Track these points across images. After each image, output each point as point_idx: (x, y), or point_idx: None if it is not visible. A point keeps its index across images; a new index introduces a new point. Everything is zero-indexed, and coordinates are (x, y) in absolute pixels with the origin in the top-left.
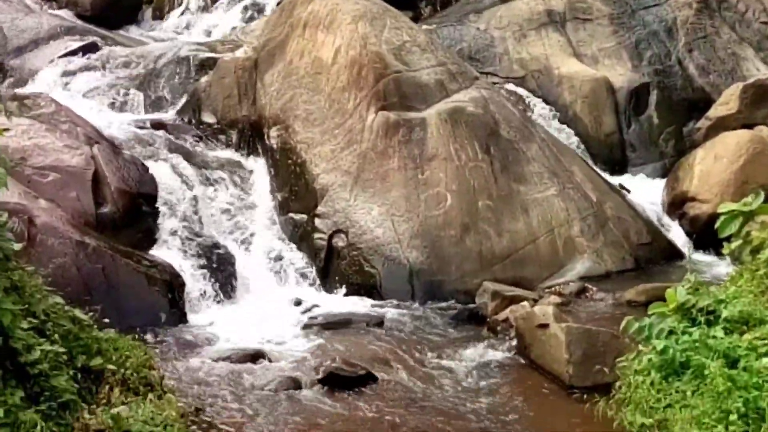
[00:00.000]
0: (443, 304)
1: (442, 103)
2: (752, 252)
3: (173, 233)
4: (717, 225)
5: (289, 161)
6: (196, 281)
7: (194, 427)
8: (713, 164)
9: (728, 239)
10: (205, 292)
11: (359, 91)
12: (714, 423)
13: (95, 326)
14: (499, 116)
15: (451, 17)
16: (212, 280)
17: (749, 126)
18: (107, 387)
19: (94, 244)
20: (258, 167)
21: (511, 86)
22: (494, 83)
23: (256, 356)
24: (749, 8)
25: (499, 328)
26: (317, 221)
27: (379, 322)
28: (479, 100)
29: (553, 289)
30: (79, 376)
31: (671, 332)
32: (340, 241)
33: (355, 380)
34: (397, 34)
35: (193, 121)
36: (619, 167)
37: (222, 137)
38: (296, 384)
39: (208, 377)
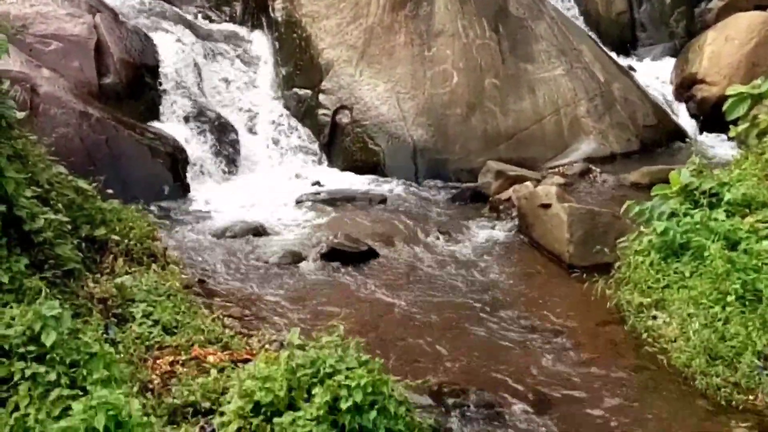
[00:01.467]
0: (446, 183)
1: None
2: (759, 135)
3: (176, 106)
4: (725, 107)
5: (294, 35)
6: (199, 155)
7: (197, 297)
8: (724, 46)
9: (735, 122)
10: (208, 165)
11: None
12: (711, 303)
13: (99, 197)
14: None
15: None
16: (215, 154)
17: (762, 7)
18: (111, 257)
19: (97, 114)
20: (262, 41)
21: None
22: None
23: (258, 230)
24: None
25: (501, 207)
26: (321, 97)
27: (382, 200)
28: None
29: (556, 169)
30: (83, 245)
31: (673, 214)
32: (344, 118)
33: (357, 256)
34: None
35: None
36: (629, 47)
37: (226, 9)
38: (298, 258)
39: (210, 249)
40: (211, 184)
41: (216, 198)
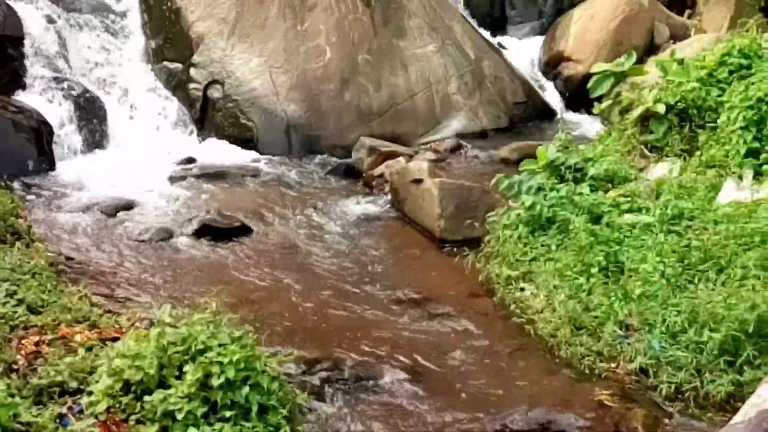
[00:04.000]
0: (320, 158)
1: None
2: (621, 112)
3: (41, 79)
4: (589, 85)
5: (164, 7)
6: (65, 129)
7: (65, 275)
8: (589, 24)
9: (599, 99)
10: (74, 140)
11: None
12: (576, 275)
13: None
14: None
15: None
16: (82, 128)
17: None
18: None
19: None
20: (131, 12)
21: None
22: None
23: (128, 206)
24: None
25: (374, 182)
26: (192, 71)
27: (255, 175)
28: None
29: (429, 145)
30: None
31: (540, 189)
32: (216, 92)
33: (230, 231)
34: None
35: None
36: (499, 25)
37: None
38: (170, 234)
39: (78, 226)
40: (78, 158)
41: (84, 173)
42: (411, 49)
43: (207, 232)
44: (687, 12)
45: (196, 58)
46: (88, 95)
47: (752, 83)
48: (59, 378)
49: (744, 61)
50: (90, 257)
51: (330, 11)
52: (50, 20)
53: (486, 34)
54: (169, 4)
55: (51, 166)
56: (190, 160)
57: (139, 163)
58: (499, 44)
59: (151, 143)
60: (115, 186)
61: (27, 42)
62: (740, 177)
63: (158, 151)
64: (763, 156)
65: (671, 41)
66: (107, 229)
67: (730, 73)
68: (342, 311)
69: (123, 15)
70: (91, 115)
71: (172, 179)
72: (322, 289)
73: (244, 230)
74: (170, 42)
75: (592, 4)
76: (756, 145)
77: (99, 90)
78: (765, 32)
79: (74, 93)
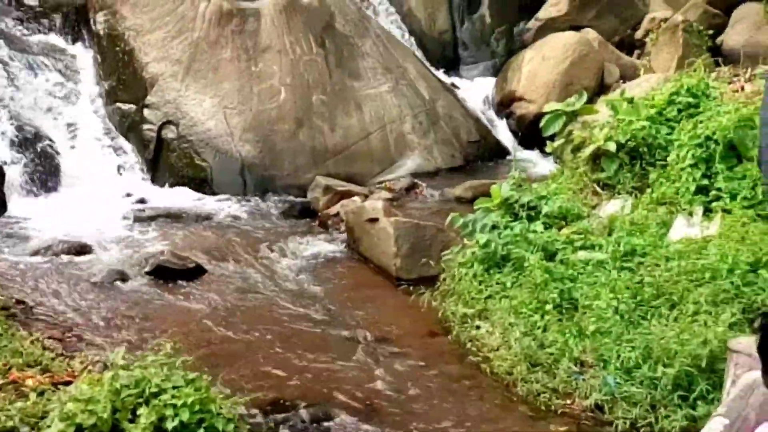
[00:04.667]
0: (275, 199)
1: None
2: (573, 150)
3: None
4: (542, 124)
5: (117, 48)
6: (17, 171)
7: (15, 319)
8: (541, 65)
9: (552, 138)
10: (27, 182)
11: None
12: (531, 312)
13: None
14: (334, 9)
15: None
16: (34, 169)
17: (576, 28)
18: None
19: None
20: (83, 54)
21: None
22: None
23: (81, 249)
24: None
25: (330, 222)
26: (146, 112)
27: (210, 215)
28: None
29: (383, 184)
30: None
31: (494, 227)
32: (170, 133)
33: (184, 272)
34: None
35: (14, 2)
36: (452, 65)
37: (45, 21)
38: (123, 276)
39: (30, 269)
40: (30, 200)
41: (36, 215)
42: (365, 89)
43: (161, 273)
44: (636, 52)
45: (149, 99)
46: (40, 136)
47: (700, 122)
48: (10, 423)
49: (692, 100)
50: (42, 300)
51: (284, 53)
52: (1, 61)
53: (440, 73)
54: (122, 45)
55: (2, 207)
56: (144, 201)
57: (92, 204)
58: (453, 84)
59: (104, 184)
60: (67, 228)
61: None
62: (690, 214)
63: (111, 192)
64: (712, 193)
65: (621, 81)
66: (60, 271)
67: (679, 111)
68: (298, 352)
69: (75, 57)
70: (43, 157)
71: (126, 220)
72: (277, 329)
73: (199, 271)
74: (123, 83)
75: (543, 46)
76: (705, 182)
77: (52, 131)
78: (712, 71)
79: (26, 134)
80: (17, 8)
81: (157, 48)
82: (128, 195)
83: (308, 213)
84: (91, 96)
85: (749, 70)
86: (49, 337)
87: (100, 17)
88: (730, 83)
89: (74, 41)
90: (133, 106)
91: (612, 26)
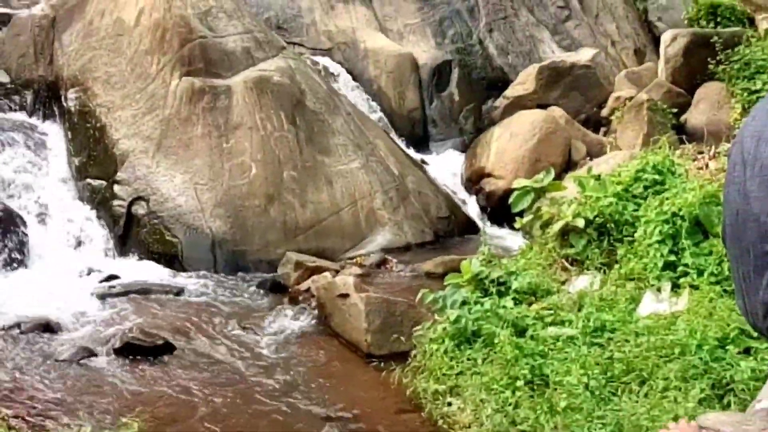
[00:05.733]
0: (246, 275)
1: (248, 71)
2: (542, 226)
3: None
4: (510, 200)
5: (88, 125)
6: None
7: None
8: (509, 142)
9: (521, 214)
10: None
11: (163, 55)
12: (502, 388)
13: None
14: (305, 87)
15: None
16: (3, 246)
17: (543, 106)
18: None
19: None
20: (54, 130)
21: (317, 58)
22: (301, 54)
23: (48, 325)
24: None
25: (301, 297)
26: (116, 188)
27: (179, 292)
28: (286, 70)
29: (354, 260)
30: None
31: (465, 302)
32: (140, 209)
33: (153, 350)
34: None
35: None
36: (421, 142)
37: (16, 98)
38: (90, 354)
39: None
40: None
41: (3, 292)
42: (336, 165)
43: (129, 350)
44: (602, 129)
45: (120, 175)
46: (7, 212)
47: (666, 198)
48: None
49: (658, 177)
50: (7, 378)
51: (255, 129)
52: None
53: (410, 150)
54: (93, 122)
55: None
56: (113, 277)
57: (60, 281)
58: (422, 160)
59: (73, 261)
60: (35, 305)
61: None
62: (659, 289)
63: (80, 268)
64: (679, 269)
65: (588, 158)
66: (25, 349)
67: (645, 188)
68: (268, 430)
69: (46, 133)
70: (11, 233)
71: (94, 297)
72: (247, 407)
73: (168, 348)
74: (94, 159)
75: (511, 123)
76: (672, 258)
77: (20, 209)
78: (676, 149)
79: None
80: None
81: (128, 125)
82: (98, 271)
83: (279, 288)
84: (61, 172)
85: (713, 147)
86: (15, 416)
87: (72, 94)
88: (694, 160)
89: (45, 118)
90: (103, 182)
91: (578, 104)
